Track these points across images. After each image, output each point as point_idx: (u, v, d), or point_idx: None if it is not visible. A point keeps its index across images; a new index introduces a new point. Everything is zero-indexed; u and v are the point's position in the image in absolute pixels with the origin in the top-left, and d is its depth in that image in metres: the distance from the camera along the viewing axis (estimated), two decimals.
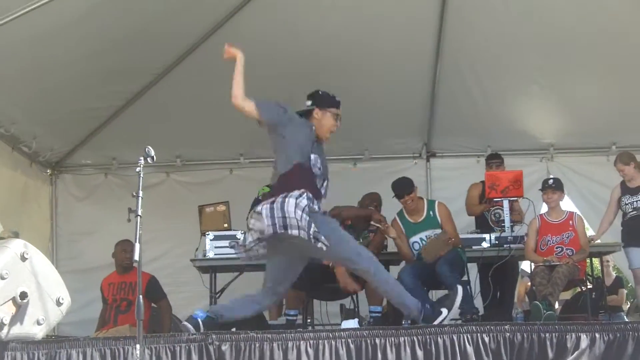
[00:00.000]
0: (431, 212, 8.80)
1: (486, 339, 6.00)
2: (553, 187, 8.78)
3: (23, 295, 5.84)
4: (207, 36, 9.65)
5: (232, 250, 8.62)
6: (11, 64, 8.24)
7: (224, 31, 9.51)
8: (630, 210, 8.77)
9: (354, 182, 11.20)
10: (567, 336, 5.96)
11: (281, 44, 9.71)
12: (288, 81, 9.92)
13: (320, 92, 6.99)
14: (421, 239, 8.70)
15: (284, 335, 6.10)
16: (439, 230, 8.62)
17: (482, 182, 9.50)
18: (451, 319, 8.46)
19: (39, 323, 5.97)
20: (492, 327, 6.08)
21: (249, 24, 9.41)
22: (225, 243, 8.81)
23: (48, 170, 11.28)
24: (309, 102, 6.95)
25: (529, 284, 9.48)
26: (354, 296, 8.98)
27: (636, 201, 8.75)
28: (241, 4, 9.33)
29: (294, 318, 8.36)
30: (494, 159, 9.86)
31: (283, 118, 6.69)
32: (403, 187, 8.76)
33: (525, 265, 10.53)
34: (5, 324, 5.75)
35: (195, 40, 9.71)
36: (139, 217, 5.58)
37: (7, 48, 7.90)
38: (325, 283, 8.50)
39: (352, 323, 7.79)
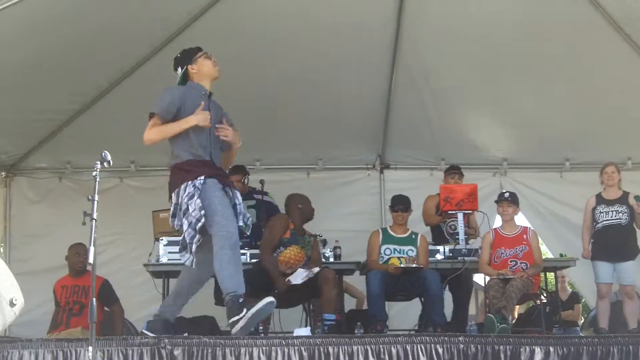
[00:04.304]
0: (413, 235, 9.13)
1: (440, 350, 6.02)
2: (509, 200, 8.84)
3: None
4: (166, 43, 9.64)
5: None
6: None
7: (181, 38, 9.49)
8: (603, 219, 8.85)
9: (307, 192, 11.24)
10: (521, 349, 6.00)
11: (234, 53, 9.58)
12: (240, 92, 9.95)
13: (178, 55, 6.99)
14: (395, 250, 8.97)
15: (236, 341, 6.08)
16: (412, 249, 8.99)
17: (439, 194, 9.58)
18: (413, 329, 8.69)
19: None
20: (446, 339, 6.11)
21: (202, 31, 9.40)
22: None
23: (2, 173, 11.25)
24: (179, 69, 6.93)
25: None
26: (307, 303, 9.03)
27: (611, 211, 8.83)
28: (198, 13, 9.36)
29: None
30: (455, 170, 9.94)
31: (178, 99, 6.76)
32: (407, 203, 9.23)
33: (478, 279, 10.61)
34: None
35: (153, 46, 9.68)
36: (94, 220, 5.55)
37: None
38: (275, 291, 8.49)
39: (304, 331, 7.81)
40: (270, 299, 6.42)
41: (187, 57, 6.91)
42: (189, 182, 6.56)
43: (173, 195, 6.68)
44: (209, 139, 6.82)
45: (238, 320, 6.25)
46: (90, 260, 5.39)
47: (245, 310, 6.27)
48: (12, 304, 6.04)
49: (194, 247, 6.53)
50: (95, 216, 5.55)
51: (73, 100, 10.31)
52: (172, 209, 6.68)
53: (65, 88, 9.79)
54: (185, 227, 6.53)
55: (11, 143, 10.73)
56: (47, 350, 5.86)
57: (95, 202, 5.59)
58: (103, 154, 5.68)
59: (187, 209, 6.53)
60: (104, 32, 8.84)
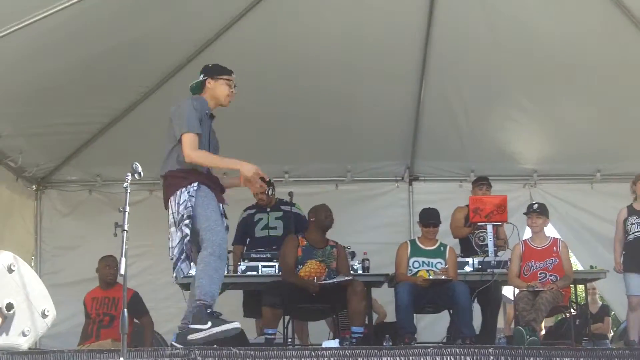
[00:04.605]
0: (442, 248, 9.08)
1: None
2: (538, 212, 8.79)
3: (9, 306, 5.82)
4: (195, 55, 9.68)
5: None
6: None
7: (205, 54, 9.58)
8: (635, 230, 8.80)
9: (335, 204, 11.26)
10: None
11: (262, 67, 9.73)
12: (269, 105, 10.04)
13: (210, 65, 7.00)
14: (423, 262, 8.94)
15: (266, 352, 6.05)
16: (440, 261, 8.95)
17: (468, 205, 9.53)
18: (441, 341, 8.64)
19: (24, 334, 5.95)
20: (475, 350, 6.05)
21: (231, 44, 9.48)
22: None
23: (33, 186, 11.32)
24: (201, 75, 6.93)
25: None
26: (335, 316, 9.05)
27: None
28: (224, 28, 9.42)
29: (273, 337, 8.36)
30: (483, 181, 9.92)
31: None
32: (438, 217, 9.15)
33: (507, 291, 10.55)
34: None
35: (182, 59, 9.74)
36: (125, 231, 5.58)
37: None
38: (303, 303, 8.56)
39: (333, 343, 7.81)
40: (236, 324, 6.37)
41: (214, 71, 6.92)
42: (183, 189, 6.53)
43: (169, 203, 6.66)
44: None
45: (199, 331, 6.26)
46: (122, 271, 5.41)
47: (210, 324, 6.27)
48: (44, 315, 6.10)
49: (181, 265, 6.56)
50: (126, 227, 5.59)
51: (103, 113, 10.38)
52: (170, 218, 6.64)
53: (95, 101, 9.86)
54: (176, 241, 6.54)
55: (42, 156, 10.78)
56: None
57: (127, 213, 5.63)
58: (134, 165, 5.72)
59: (182, 218, 6.52)
60: (134, 46, 8.89)
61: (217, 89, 6.87)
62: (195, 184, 6.57)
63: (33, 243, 11.25)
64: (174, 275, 6.65)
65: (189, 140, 6.60)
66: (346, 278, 8.40)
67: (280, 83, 10.01)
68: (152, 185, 11.23)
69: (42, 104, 9.19)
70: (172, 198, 6.61)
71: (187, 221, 6.48)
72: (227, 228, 6.83)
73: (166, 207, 6.72)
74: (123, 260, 5.43)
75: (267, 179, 6.84)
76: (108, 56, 8.84)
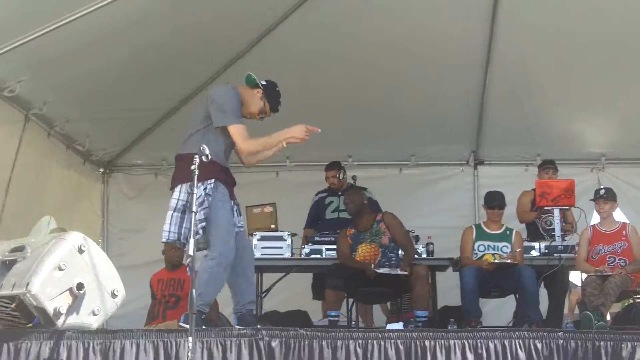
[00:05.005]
0: (508, 232, 9.03)
1: (539, 346, 5.96)
2: (605, 197, 8.65)
3: (80, 286, 5.95)
4: (259, 38, 9.70)
5: (280, 251, 8.83)
6: (67, 65, 8.38)
7: (273, 36, 9.62)
8: None
9: (400, 188, 11.26)
10: (622, 345, 5.89)
11: (327, 50, 9.75)
12: (333, 88, 10.07)
13: (277, 87, 7.05)
14: (489, 246, 8.89)
15: (333, 334, 6.11)
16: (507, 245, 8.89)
17: (534, 189, 9.45)
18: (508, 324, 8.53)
19: (94, 313, 6.07)
20: (544, 334, 6.04)
21: (295, 29, 9.47)
22: (272, 244, 8.99)
23: (100, 169, 11.50)
24: (264, 81, 6.99)
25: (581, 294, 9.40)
26: (399, 299, 9.06)
27: None
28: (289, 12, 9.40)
29: (336, 319, 8.42)
30: (549, 165, 9.79)
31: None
32: (503, 200, 9.14)
33: (573, 277, 10.43)
34: (62, 314, 5.87)
35: (245, 44, 9.76)
36: (193, 213, 5.64)
37: (63, 50, 8.03)
38: (364, 286, 8.58)
39: (397, 326, 7.81)
40: None
41: (270, 94, 6.99)
42: (199, 183, 6.29)
43: (178, 189, 6.70)
44: (230, 148, 6.94)
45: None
46: (190, 252, 5.46)
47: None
48: (113, 295, 6.20)
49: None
50: (194, 209, 5.65)
51: (168, 98, 10.44)
52: (173, 202, 6.68)
53: (160, 86, 9.89)
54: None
55: (109, 140, 10.93)
56: (148, 340, 5.97)
57: (195, 195, 5.68)
58: (202, 147, 5.76)
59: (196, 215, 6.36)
60: (197, 30, 8.96)
61: (255, 102, 6.96)
62: (212, 181, 6.61)
63: (100, 225, 11.44)
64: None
65: (241, 133, 6.72)
66: (401, 272, 8.37)
67: (345, 68, 9.98)
68: None
69: (109, 91, 9.30)
70: (183, 184, 6.62)
71: (202, 224, 6.52)
72: (239, 213, 6.95)
73: (173, 187, 6.76)
74: (191, 241, 5.48)
75: (318, 130, 6.85)
76: (172, 41, 8.92)
